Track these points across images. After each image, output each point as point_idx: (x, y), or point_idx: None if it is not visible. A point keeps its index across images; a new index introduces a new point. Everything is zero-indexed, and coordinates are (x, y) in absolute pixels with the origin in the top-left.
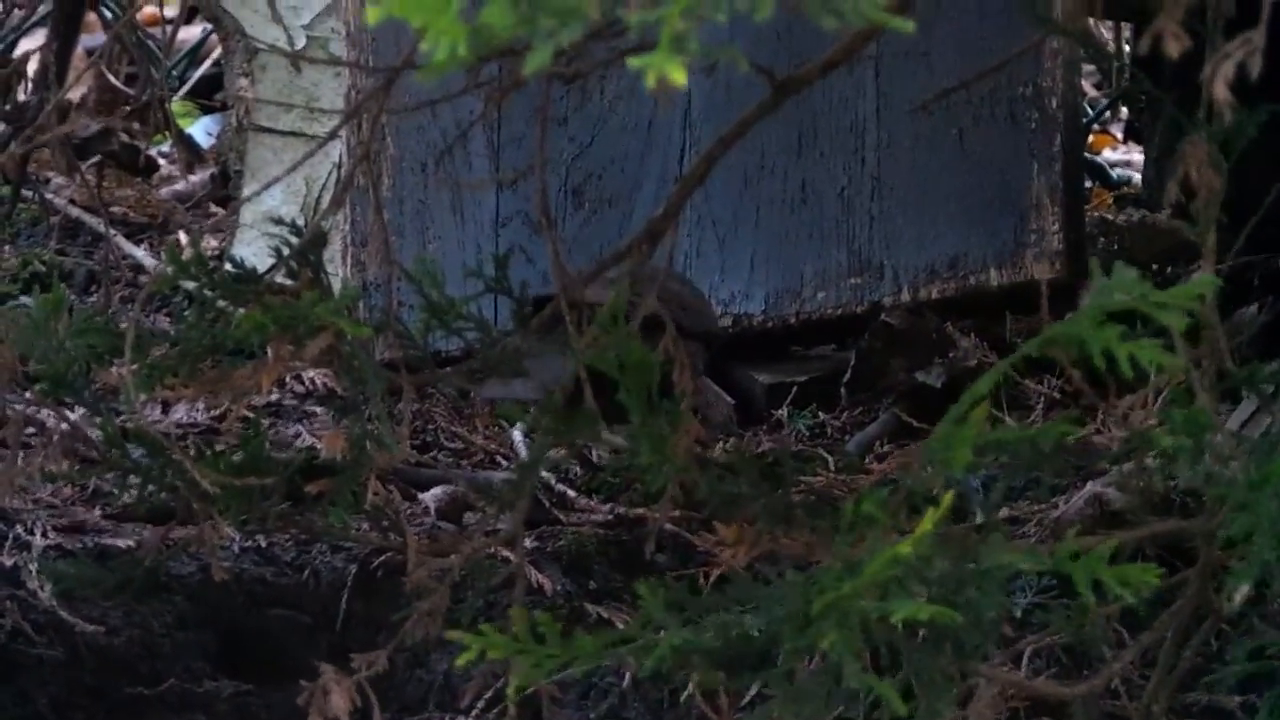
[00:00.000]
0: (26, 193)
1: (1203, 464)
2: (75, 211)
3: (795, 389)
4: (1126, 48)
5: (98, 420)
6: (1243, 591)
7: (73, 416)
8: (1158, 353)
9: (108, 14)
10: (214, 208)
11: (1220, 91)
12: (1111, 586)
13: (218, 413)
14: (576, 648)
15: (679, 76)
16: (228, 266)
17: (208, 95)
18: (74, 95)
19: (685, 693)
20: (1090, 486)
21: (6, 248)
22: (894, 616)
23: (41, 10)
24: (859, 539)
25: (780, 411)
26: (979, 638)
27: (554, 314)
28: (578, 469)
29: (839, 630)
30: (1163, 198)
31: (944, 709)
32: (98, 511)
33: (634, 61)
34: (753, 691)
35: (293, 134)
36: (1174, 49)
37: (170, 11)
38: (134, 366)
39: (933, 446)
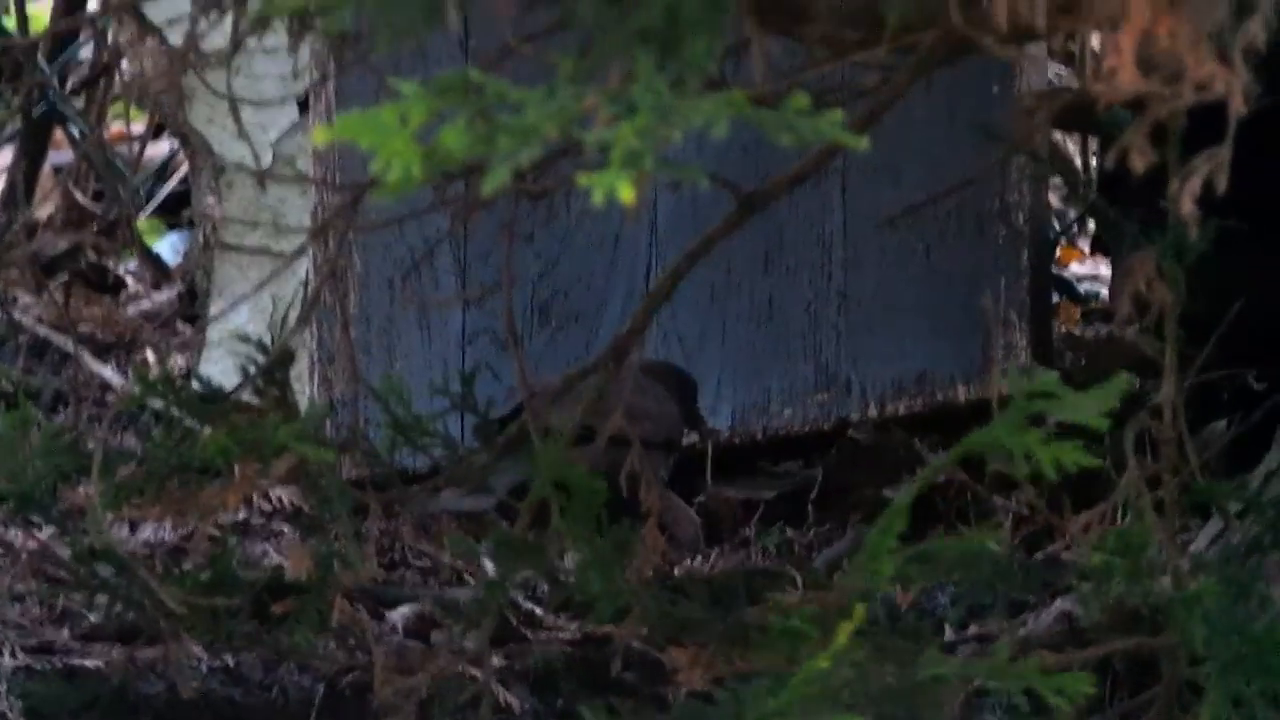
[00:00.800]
0: None
1: (1142, 584)
2: (43, 330)
3: (763, 506)
4: (1093, 160)
5: (66, 539)
6: (1217, 708)
7: (41, 535)
8: (1079, 454)
9: (75, 131)
10: (181, 325)
11: (1187, 207)
12: (1045, 694)
13: (185, 531)
14: None
15: (628, 194)
16: (195, 385)
17: (174, 212)
18: (41, 213)
19: None
20: (1059, 603)
21: None
22: None
23: (8, 128)
24: (790, 655)
25: (748, 529)
26: None
27: (520, 430)
28: (545, 587)
29: None
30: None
31: None
32: (66, 632)
33: (584, 179)
34: None
35: (259, 251)
36: (1139, 164)
37: (137, 128)
38: (101, 486)
39: (861, 559)
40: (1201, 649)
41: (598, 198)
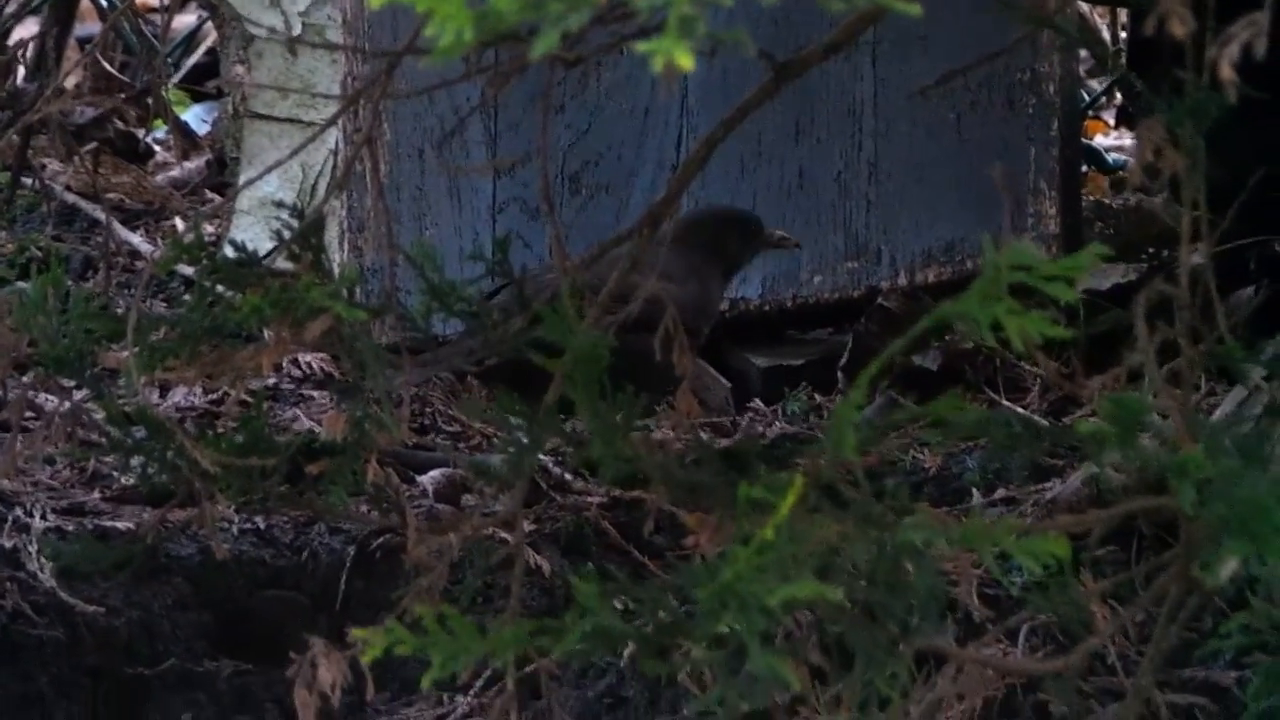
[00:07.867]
0: (24, 179)
1: (1135, 450)
2: (71, 197)
3: (791, 372)
4: (1121, 33)
5: (99, 402)
6: (1229, 568)
7: (73, 398)
8: (1045, 325)
9: (103, 2)
10: (210, 194)
11: (1226, 72)
12: (1017, 558)
13: (215, 396)
14: (492, 639)
15: (686, 61)
16: (227, 250)
17: (200, 82)
18: (69, 83)
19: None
20: (1085, 466)
21: (3, 233)
22: (771, 600)
23: None
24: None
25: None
26: (921, 614)
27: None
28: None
29: (739, 614)
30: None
31: (883, 681)
32: (97, 494)
33: (642, 46)
34: None
35: (289, 120)
36: (1179, 31)
37: None
38: (135, 349)
39: (829, 431)
40: (1190, 513)
41: (658, 65)
